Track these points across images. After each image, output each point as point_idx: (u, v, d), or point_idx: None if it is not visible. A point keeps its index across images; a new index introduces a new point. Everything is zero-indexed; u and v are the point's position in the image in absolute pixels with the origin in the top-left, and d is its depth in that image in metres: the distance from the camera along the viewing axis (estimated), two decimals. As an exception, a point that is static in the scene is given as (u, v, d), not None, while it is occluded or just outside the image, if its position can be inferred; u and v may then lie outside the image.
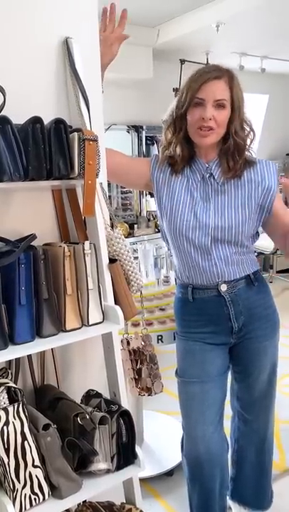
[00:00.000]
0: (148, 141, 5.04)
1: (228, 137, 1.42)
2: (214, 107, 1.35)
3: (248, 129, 1.45)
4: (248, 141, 1.45)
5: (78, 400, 1.22)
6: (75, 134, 1.06)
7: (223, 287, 1.46)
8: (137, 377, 1.32)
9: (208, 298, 1.49)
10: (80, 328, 1.13)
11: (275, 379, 1.65)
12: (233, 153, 1.42)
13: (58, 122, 1.05)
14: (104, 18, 1.39)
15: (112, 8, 1.39)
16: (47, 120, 1.04)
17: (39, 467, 1.03)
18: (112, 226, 1.22)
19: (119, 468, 1.16)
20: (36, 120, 1.01)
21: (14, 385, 1.06)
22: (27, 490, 1.02)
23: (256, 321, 1.52)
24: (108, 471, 1.14)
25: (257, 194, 1.44)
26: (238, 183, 1.44)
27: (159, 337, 1.96)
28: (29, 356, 1.21)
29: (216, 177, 1.45)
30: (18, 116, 1.00)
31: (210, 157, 1.46)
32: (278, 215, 1.49)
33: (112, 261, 1.20)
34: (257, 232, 1.54)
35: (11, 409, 1.01)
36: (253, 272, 1.53)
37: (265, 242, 4.78)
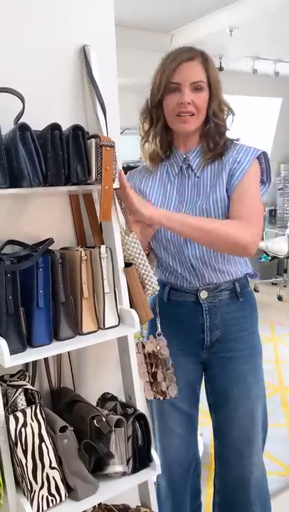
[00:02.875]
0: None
1: (208, 120, 1.32)
2: (191, 91, 1.26)
3: (226, 109, 1.34)
4: (228, 123, 1.35)
5: (94, 403, 1.23)
6: (93, 140, 1.08)
7: (204, 294, 1.34)
8: (152, 380, 1.32)
9: (184, 302, 1.37)
10: (96, 331, 1.14)
11: (259, 419, 1.43)
12: (213, 137, 1.32)
13: (76, 129, 1.06)
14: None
15: None
16: (65, 126, 1.06)
17: (56, 469, 1.05)
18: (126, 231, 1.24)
19: (134, 471, 1.17)
20: (55, 127, 1.03)
21: (31, 387, 1.07)
22: (44, 491, 1.04)
23: (232, 340, 1.38)
24: (124, 474, 1.15)
25: (224, 179, 1.30)
26: (215, 169, 1.32)
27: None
28: (46, 359, 1.22)
29: (194, 168, 1.35)
30: (36, 122, 1.02)
31: (190, 146, 1.36)
32: (231, 205, 1.29)
33: (127, 265, 1.21)
34: None
35: (28, 411, 1.02)
36: (240, 277, 1.38)
37: (278, 246, 4.77)
